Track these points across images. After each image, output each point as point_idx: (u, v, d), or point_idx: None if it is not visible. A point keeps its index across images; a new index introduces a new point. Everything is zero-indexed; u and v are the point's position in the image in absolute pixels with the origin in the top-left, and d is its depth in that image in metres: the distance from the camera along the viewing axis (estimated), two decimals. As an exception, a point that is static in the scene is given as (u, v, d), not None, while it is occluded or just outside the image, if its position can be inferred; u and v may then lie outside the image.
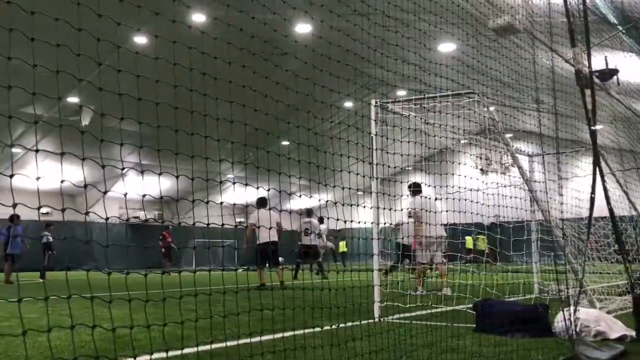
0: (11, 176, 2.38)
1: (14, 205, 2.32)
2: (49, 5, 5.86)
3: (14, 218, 15.78)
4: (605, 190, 5.39)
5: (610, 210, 5.13)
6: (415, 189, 9.85)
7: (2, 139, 23.13)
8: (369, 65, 5.48)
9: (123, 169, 2.57)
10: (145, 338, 4.39)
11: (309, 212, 17.02)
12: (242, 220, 39.18)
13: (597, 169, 5.41)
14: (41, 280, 16.60)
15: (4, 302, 8.04)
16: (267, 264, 12.68)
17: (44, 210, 28.46)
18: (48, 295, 2.34)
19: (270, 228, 11.35)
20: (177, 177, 2.62)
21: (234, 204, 34.63)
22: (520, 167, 7.03)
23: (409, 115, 6.99)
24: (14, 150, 24.76)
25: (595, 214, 5.86)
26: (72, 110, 21.59)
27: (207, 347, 3.97)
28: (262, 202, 12.52)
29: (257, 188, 3.87)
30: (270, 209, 12.33)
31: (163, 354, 3.86)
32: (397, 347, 4.12)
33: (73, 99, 21.37)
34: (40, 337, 4.88)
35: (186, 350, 3.93)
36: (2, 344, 4.83)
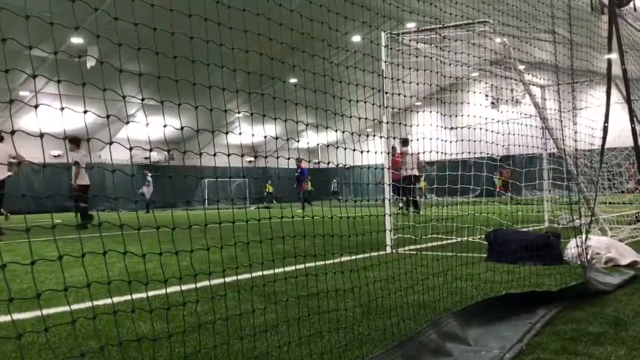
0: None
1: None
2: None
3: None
4: (632, 117, 5.30)
5: (634, 135, 5.07)
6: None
7: (10, 83, 22.95)
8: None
9: (143, 100, 2.52)
10: (158, 274, 4.48)
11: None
12: (252, 159, 39.33)
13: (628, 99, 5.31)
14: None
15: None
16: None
17: (55, 152, 28.68)
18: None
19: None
20: (196, 108, 2.59)
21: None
22: (533, 97, 6.91)
23: (420, 47, 6.82)
24: (20, 93, 24.57)
25: (609, 144, 5.80)
26: (76, 52, 21.21)
27: (220, 280, 4.05)
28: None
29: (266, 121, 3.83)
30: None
31: (177, 288, 3.95)
32: (410, 275, 4.19)
33: (77, 40, 20.95)
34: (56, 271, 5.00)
35: (199, 284, 4.03)
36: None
